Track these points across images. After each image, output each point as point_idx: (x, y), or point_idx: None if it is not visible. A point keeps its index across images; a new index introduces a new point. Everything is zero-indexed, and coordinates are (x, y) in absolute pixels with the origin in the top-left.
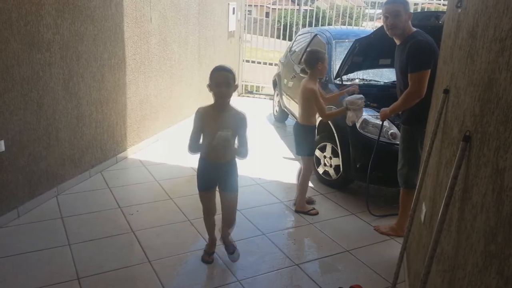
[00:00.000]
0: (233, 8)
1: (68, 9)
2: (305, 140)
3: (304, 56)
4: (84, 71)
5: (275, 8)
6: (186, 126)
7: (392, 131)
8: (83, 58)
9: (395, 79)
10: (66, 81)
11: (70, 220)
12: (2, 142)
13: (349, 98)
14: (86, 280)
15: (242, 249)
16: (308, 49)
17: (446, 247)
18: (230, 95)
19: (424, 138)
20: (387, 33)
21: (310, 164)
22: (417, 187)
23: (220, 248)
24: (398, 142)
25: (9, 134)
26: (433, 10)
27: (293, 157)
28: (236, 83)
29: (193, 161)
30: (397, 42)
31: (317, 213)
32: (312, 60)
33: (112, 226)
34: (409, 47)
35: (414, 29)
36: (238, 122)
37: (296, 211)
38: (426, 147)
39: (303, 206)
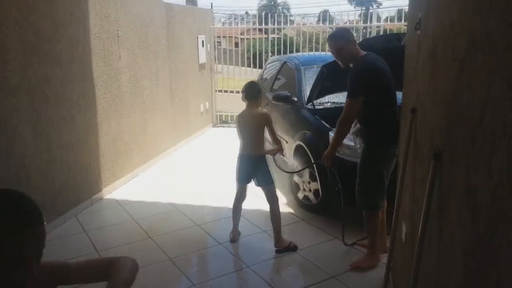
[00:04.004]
0: (202, 41)
1: (34, 53)
2: (268, 169)
3: (246, 89)
4: (53, 114)
5: (244, 38)
6: (161, 161)
7: None
8: (51, 101)
9: None
10: (34, 125)
11: None
12: None
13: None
14: None
15: (227, 285)
16: (248, 83)
17: (429, 266)
18: None
19: (387, 158)
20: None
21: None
22: (395, 206)
23: (205, 287)
24: None
25: None
26: (395, 31)
27: None
28: None
29: (171, 196)
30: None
31: (296, 247)
32: (256, 92)
33: None
34: (351, 71)
35: (364, 52)
36: None
37: (279, 251)
38: (400, 166)
39: (283, 242)
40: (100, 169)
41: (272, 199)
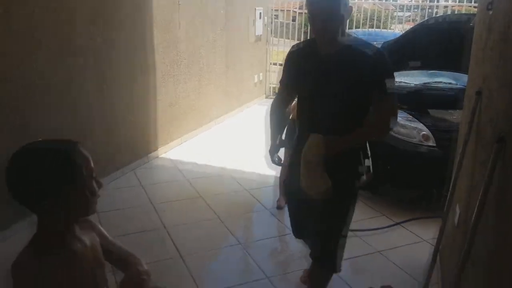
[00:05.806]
0: (260, 13)
1: (100, 17)
2: None
3: None
4: (116, 76)
5: (302, 12)
6: (214, 127)
7: (424, 132)
8: (115, 63)
9: (421, 82)
10: (100, 84)
11: (104, 216)
12: None
13: None
14: (119, 274)
15: (271, 248)
16: None
17: (480, 252)
18: None
19: None
20: (317, 38)
21: None
22: (450, 188)
23: (250, 246)
24: (430, 144)
25: (45, 135)
26: (463, 12)
27: None
28: None
29: (221, 160)
30: (326, 49)
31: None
32: None
33: (145, 221)
34: (373, 59)
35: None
36: None
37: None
38: (459, 149)
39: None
40: (157, 130)
41: None
